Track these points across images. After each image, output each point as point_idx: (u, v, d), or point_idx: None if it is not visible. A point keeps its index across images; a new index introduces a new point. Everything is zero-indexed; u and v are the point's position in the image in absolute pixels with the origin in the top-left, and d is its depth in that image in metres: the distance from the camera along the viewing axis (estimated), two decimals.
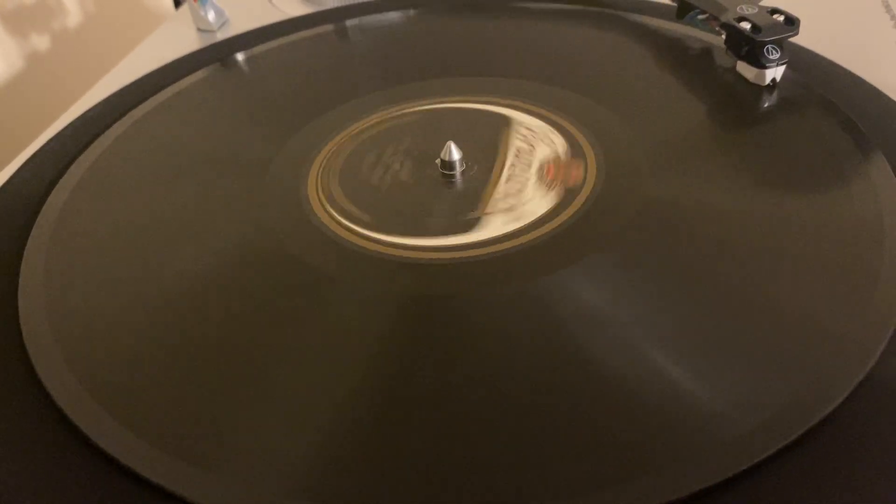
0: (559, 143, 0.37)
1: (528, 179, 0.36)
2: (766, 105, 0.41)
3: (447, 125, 0.42)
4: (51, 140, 0.45)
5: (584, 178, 0.35)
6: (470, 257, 0.33)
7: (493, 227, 0.34)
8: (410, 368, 0.28)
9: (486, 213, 0.35)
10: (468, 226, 0.35)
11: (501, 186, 0.37)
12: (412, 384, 0.28)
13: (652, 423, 0.25)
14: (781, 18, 0.41)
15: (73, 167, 0.41)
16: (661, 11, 0.51)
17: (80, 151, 0.43)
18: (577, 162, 0.35)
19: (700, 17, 0.47)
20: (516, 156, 0.38)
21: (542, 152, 0.37)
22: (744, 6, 0.43)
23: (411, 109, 0.44)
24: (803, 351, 0.27)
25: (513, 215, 0.34)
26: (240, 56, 0.52)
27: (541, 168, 0.36)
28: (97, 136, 0.44)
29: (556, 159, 0.36)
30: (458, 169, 0.38)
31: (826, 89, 0.41)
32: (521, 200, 0.35)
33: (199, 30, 0.59)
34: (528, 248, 0.33)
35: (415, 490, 0.24)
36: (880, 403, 0.25)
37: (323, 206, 0.37)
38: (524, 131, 0.40)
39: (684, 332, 0.29)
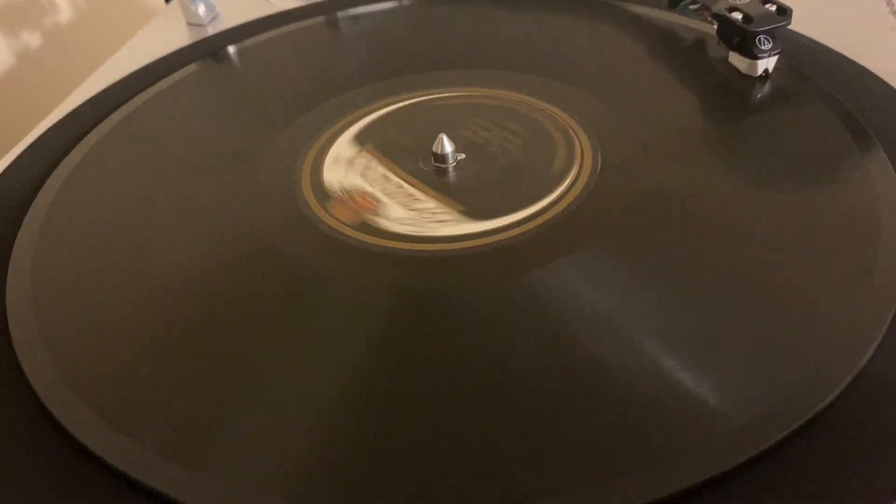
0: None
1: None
2: (760, 95, 0.41)
3: (440, 118, 0.42)
4: (42, 136, 0.44)
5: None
6: (464, 250, 0.33)
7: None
8: (405, 365, 0.28)
9: None
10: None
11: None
12: (407, 381, 0.28)
13: (647, 417, 0.25)
14: (773, 8, 0.41)
15: (63, 163, 0.41)
16: (652, 1, 0.50)
17: (71, 147, 0.43)
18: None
19: (692, 6, 0.47)
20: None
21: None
22: None
23: (405, 101, 0.44)
24: (799, 343, 0.27)
25: None
26: (231, 50, 0.52)
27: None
28: (88, 131, 0.44)
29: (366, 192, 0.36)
30: (451, 161, 0.38)
31: (821, 75, 0.41)
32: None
33: (189, 24, 0.58)
34: (523, 241, 0.33)
35: (412, 487, 0.24)
36: (877, 395, 0.25)
37: (316, 199, 0.37)
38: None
39: (680, 326, 0.29)
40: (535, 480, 0.24)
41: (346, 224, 0.34)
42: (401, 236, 0.34)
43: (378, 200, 0.36)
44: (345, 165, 0.38)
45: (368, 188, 0.37)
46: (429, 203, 0.36)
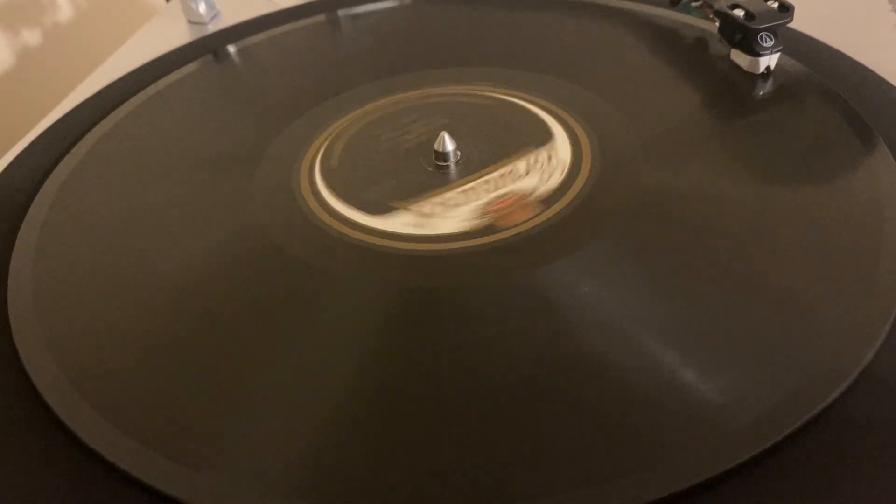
0: (549, 179, 0.36)
1: (479, 197, 0.36)
2: (762, 92, 0.41)
3: (441, 115, 0.42)
4: (42, 134, 0.44)
5: (525, 222, 0.34)
6: (466, 248, 0.33)
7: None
8: (405, 364, 0.28)
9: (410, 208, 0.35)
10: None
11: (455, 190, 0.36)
12: (407, 380, 0.27)
13: (648, 416, 0.25)
14: (775, 5, 0.41)
15: (64, 161, 0.41)
16: None
17: (72, 145, 0.43)
18: (532, 207, 0.34)
19: (694, 4, 0.47)
20: (506, 171, 0.37)
21: (524, 184, 0.36)
22: None
23: (405, 100, 0.44)
24: (802, 342, 0.27)
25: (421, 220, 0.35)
26: (231, 48, 0.52)
27: (499, 197, 0.36)
28: (89, 129, 0.44)
29: (522, 196, 0.35)
30: (452, 160, 0.38)
31: (824, 74, 0.41)
32: (446, 210, 0.35)
33: (190, 22, 0.58)
34: (526, 239, 0.33)
35: (412, 486, 0.24)
36: (880, 394, 0.25)
37: (315, 198, 0.37)
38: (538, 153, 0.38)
39: (682, 325, 0.28)
40: (536, 479, 0.24)
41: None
42: (400, 236, 0.34)
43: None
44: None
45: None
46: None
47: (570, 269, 0.31)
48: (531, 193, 0.35)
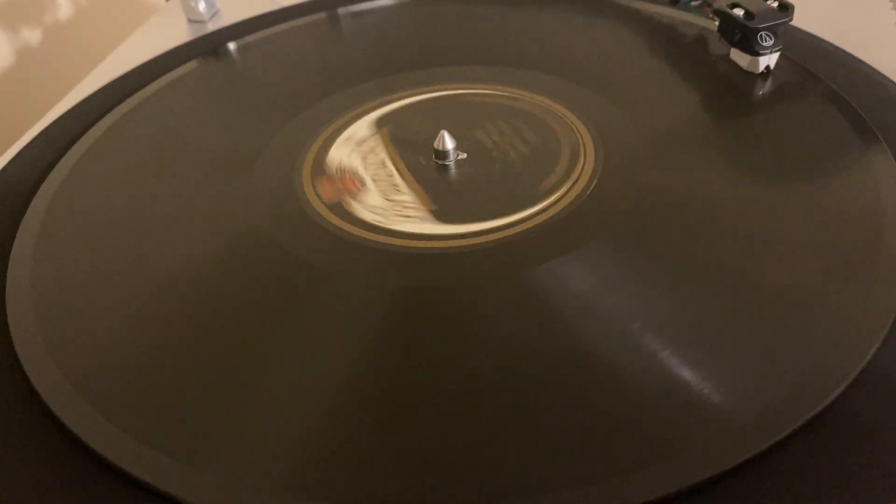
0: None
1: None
2: (761, 92, 0.41)
3: (443, 114, 0.42)
4: (41, 133, 0.44)
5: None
6: (468, 246, 0.33)
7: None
8: (404, 363, 0.28)
9: None
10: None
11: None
12: (406, 378, 0.27)
13: (649, 415, 0.25)
14: (775, 4, 0.41)
15: (63, 160, 0.41)
16: None
17: (71, 144, 0.42)
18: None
19: (693, 3, 0.47)
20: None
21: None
22: None
23: (406, 98, 0.44)
24: (803, 340, 0.27)
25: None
26: (231, 46, 0.52)
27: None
28: (88, 128, 0.44)
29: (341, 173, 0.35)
30: (452, 158, 0.38)
31: (824, 73, 0.41)
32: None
33: (189, 21, 0.58)
34: (527, 237, 0.33)
35: (411, 483, 0.24)
36: (882, 392, 0.25)
37: (316, 195, 0.37)
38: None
39: (682, 324, 0.28)
40: (538, 478, 0.24)
41: (323, 202, 0.35)
42: (400, 234, 0.34)
43: (363, 185, 0.35)
44: (354, 145, 0.38)
45: (361, 171, 0.37)
46: (406, 196, 0.36)
47: (572, 268, 0.31)
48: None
